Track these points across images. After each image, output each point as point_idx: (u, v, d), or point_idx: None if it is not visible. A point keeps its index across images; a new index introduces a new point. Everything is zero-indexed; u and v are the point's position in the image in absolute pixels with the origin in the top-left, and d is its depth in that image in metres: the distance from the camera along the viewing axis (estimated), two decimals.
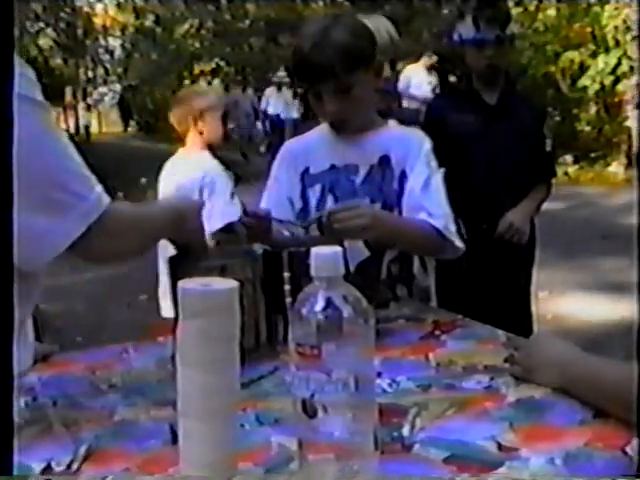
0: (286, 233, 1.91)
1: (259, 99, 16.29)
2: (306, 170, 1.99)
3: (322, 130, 2.02)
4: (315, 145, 2.03)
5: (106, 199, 1.32)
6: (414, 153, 1.93)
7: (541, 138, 2.93)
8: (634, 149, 11.42)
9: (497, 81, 2.85)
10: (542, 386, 1.34)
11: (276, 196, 1.98)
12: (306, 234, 1.83)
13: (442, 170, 1.96)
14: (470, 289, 2.73)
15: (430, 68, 10.47)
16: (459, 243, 1.87)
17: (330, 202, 1.94)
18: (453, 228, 1.87)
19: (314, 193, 1.97)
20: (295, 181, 1.99)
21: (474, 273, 2.72)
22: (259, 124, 16.57)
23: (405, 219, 1.89)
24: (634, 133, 11.28)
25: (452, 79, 11.04)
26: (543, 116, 3.03)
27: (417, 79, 10.26)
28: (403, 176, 1.92)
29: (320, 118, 1.99)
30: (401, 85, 10.40)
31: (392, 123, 2.03)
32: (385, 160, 1.93)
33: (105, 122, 27.80)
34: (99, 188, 1.32)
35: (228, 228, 1.88)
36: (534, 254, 2.96)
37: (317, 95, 1.89)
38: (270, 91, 15.59)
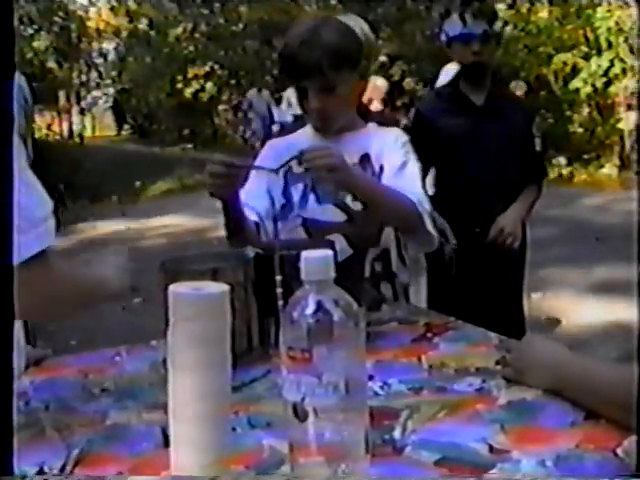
0: (253, 218, 1.91)
1: (278, 100, 15.39)
2: (289, 168, 2.00)
3: (305, 131, 2.05)
4: (298, 145, 2.03)
5: (45, 242, 1.27)
6: (390, 145, 1.96)
7: (530, 138, 2.94)
8: (627, 151, 11.45)
9: (484, 81, 2.85)
10: (534, 388, 1.34)
11: (255, 188, 1.97)
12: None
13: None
14: (462, 291, 2.73)
15: None
16: (432, 229, 1.86)
17: (311, 200, 1.98)
18: (428, 208, 1.86)
19: (297, 191, 1.99)
20: (277, 177, 1.99)
21: (466, 275, 2.73)
22: (275, 127, 15.59)
23: (381, 183, 1.90)
24: (627, 135, 11.32)
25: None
26: (532, 115, 3.03)
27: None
28: (382, 170, 1.94)
29: (305, 116, 2.01)
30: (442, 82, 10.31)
31: (371, 125, 2.05)
32: (366, 158, 1.96)
33: (99, 126, 27.78)
34: (42, 229, 1.28)
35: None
36: (525, 255, 2.97)
37: (303, 92, 1.92)
38: (291, 92, 14.37)
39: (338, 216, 1.92)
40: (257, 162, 2.05)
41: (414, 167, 1.93)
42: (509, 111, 2.87)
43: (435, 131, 2.79)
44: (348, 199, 1.93)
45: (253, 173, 2.02)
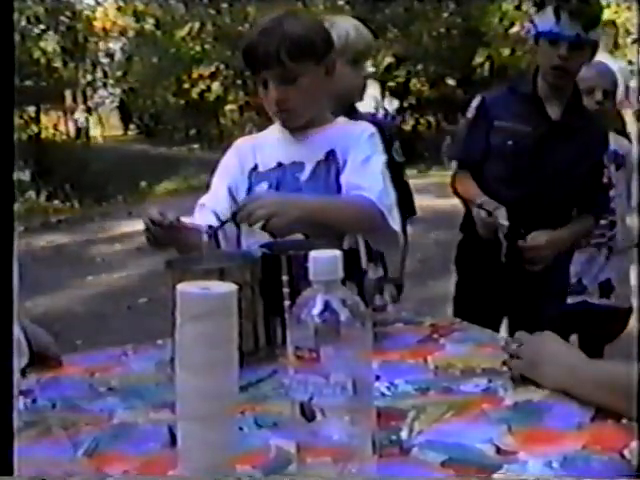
0: (209, 221, 1.83)
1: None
2: (254, 168, 1.97)
3: (273, 129, 2.01)
4: (264, 143, 2.01)
5: None
6: (355, 139, 1.91)
7: (600, 167, 2.64)
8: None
9: (564, 92, 2.52)
10: (542, 384, 1.34)
11: (217, 191, 1.95)
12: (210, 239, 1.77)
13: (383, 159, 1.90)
14: (490, 302, 2.48)
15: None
16: (395, 226, 1.82)
17: None
18: (390, 202, 1.82)
19: (261, 190, 1.93)
20: (242, 178, 1.97)
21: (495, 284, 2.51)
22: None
23: (331, 197, 1.87)
24: (633, 136, 11.30)
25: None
26: (606, 141, 2.71)
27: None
28: (345, 165, 1.90)
29: (266, 109, 1.95)
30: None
31: (341, 119, 2.01)
32: (331, 154, 1.91)
33: (105, 125, 27.79)
34: None
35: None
36: (568, 277, 2.76)
37: (264, 83, 1.88)
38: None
39: None
40: (220, 167, 2.02)
41: (378, 161, 1.88)
42: (584, 132, 2.54)
43: (495, 130, 2.52)
44: (270, 191, 1.90)
45: (217, 173, 2.01)
